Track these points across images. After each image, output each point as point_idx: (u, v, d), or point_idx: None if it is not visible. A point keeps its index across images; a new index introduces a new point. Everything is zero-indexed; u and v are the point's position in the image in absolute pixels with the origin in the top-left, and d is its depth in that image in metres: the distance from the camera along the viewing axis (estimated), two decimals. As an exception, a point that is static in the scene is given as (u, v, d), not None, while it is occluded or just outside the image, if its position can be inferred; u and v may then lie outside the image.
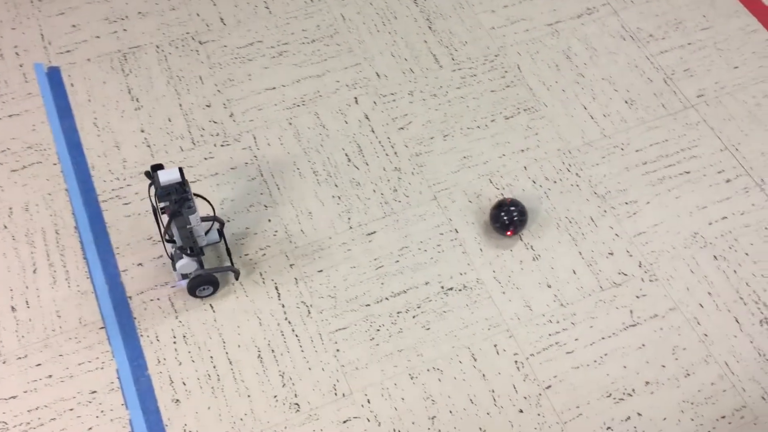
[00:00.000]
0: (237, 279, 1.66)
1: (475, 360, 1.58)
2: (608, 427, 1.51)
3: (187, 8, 2.08)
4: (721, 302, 1.64)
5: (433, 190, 1.81)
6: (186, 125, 1.88)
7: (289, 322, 1.62)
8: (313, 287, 1.67)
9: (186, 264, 1.55)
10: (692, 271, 1.68)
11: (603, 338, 1.60)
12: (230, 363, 1.57)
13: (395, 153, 1.86)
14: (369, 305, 1.65)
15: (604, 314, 1.63)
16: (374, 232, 1.75)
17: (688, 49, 2.01)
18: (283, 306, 1.64)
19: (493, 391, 1.55)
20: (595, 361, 1.58)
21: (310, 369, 1.57)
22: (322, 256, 1.71)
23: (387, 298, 1.66)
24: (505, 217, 1.67)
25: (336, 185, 1.81)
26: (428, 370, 1.57)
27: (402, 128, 1.90)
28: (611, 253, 1.71)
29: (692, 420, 1.51)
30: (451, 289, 1.67)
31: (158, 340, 1.59)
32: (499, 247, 1.72)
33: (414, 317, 1.64)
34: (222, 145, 1.85)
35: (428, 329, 1.62)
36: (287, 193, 1.80)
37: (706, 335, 1.60)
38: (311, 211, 1.77)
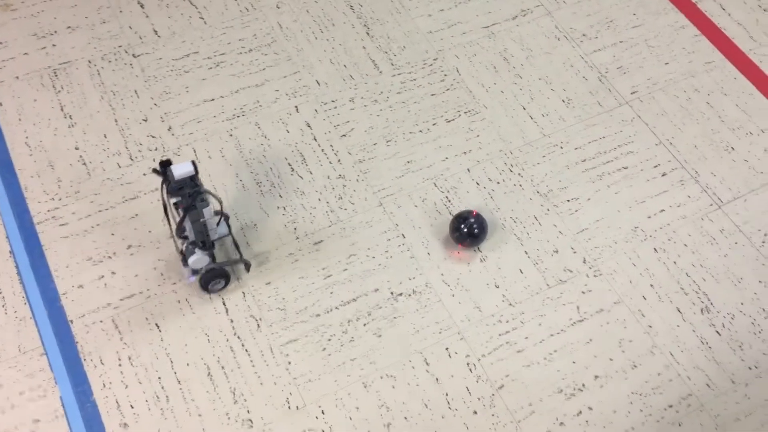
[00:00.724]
0: (248, 271, 1.66)
1: (428, 364, 1.59)
2: (561, 423, 1.53)
3: (119, 21, 2.03)
4: (663, 293, 1.68)
5: (379, 196, 1.80)
6: (123, 141, 1.83)
7: (239, 337, 1.59)
8: (262, 300, 1.65)
9: (199, 259, 1.54)
10: (634, 264, 1.72)
11: (552, 335, 1.63)
12: (179, 382, 1.53)
13: (339, 160, 1.85)
14: (319, 315, 1.64)
15: (551, 311, 1.66)
16: (321, 241, 1.73)
17: (620, 47, 2.06)
18: (232, 321, 1.62)
19: (446, 395, 1.55)
20: (545, 359, 1.60)
21: (261, 384, 1.54)
22: (269, 268, 1.69)
23: (337, 307, 1.65)
24: (465, 229, 1.67)
25: (280, 195, 1.79)
26: (381, 378, 1.57)
27: (344, 135, 1.89)
28: (556, 251, 1.74)
29: (641, 411, 1.54)
30: (400, 294, 1.67)
31: (103, 364, 1.54)
32: (446, 249, 1.73)
33: (365, 325, 1.63)
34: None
35: (380, 336, 1.62)
36: (230, 206, 1.77)
37: (650, 327, 1.64)
38: (256, 223, 1.75)
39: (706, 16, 2.13)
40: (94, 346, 1.56)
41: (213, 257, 1.58)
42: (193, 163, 1.38)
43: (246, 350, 1.58)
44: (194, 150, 1.83)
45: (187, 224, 1.49)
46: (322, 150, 1.87)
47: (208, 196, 1.43)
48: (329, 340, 1.61)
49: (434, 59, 2.04)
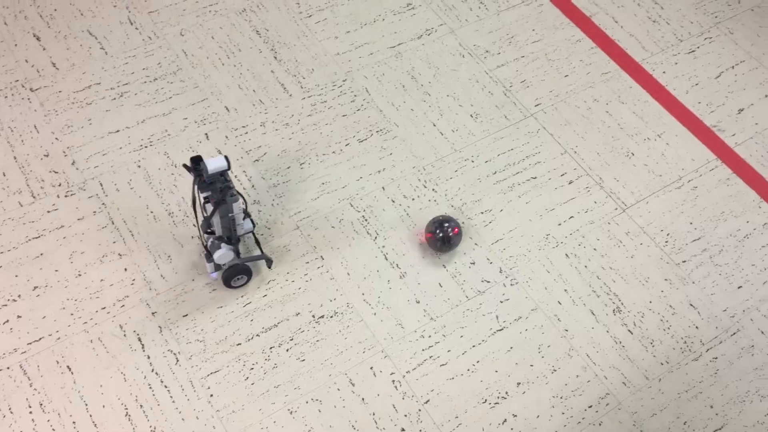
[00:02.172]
0: (270, 267, 1.68)
1: (353, 385, 1.58)
2: (487, 433, 1.55)
3: (14, 55, 1.96)
4: (576, 297, 1.73)
5: (295, 219, 1.79)
6: (23, 178, 1.76)
7: (157, 374, 1.55)
8: (180, 333, 1.60)
9: (224, 254, 1.56)
10: (548, 271, 1.77)
11: (473, 346, 1.65)
12: (95, 426, 1.47)
13: (252, 186, 1.84)
14: (240, 344, 1.61)
15: (472, 323, 1.68)
16: (238, 268, 1.71)
17: (522, 62, 2.13)
18: (149, 357, 1.57)
19: (373, 414, 1.55)
20: (468, 370, 1.62)
21: (183, 420, 1.50)
22: (186, 299, 1.65)
23: (258, 335, 1.62)
24: (440, 234, 1.70)
25: (194, 225, 1.76)
26: (307, 402, 1.55)
27: (257, 160, 1.88)
28: (473, 263, 1.77)
29: (563, 413, 1.58)
30: (322, 317, 1.66)
31: (12, 413, 1.47)
32: (366, 268, 1.73)
33: (288, 350, 1.61)
34: (66, 196, 1.75)
35: (303, 360, 1.60)
36: (142, 239, 1.72)
37: (566, 330, 1.68)
38: (170, 255, 1.70)
39: (600, 30, 2.23)
40: (2, 395, 1.48)
41: (238, 253, 1.61)
42: (226, 157, 1.39)
43: (165, 386, 1.53)
44: (101, 183, 1.78)
45: (215, 219, 1.51)
46: (235, 176, 1.85)
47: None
48: (252, 368, 1.58)
49: (343, 80, 2.05)
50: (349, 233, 1.78)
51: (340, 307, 1.68)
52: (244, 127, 1.93)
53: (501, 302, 1.71)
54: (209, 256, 1.60)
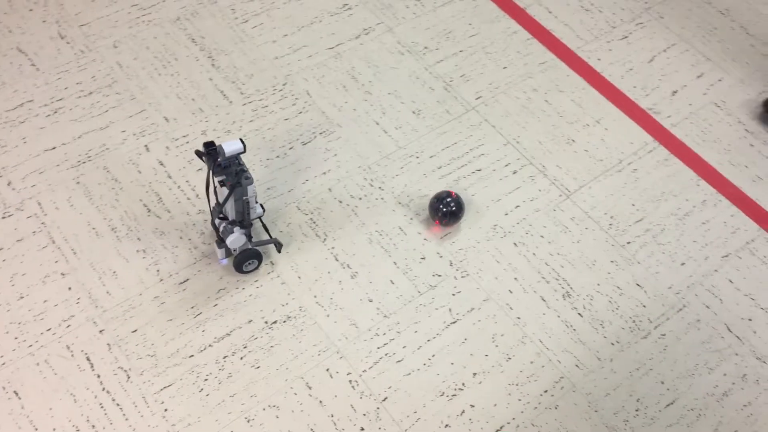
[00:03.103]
0: (279, 251, 1.69)
1: (310, 388, 1.57)
2: (446, 425, 1.55)
3: (-60, 75, 1.90)
4: (527, 285, 1.75)
5: (242, 226, 1.78)
6: (-43, 202, 1.71)
7: (108, 392, 1.52)
8: (129, 349, 1.58)
9: (237, 238, 1.56)
10: (498, 261, 1.78)
11: (428, 340, 1.66)
12: (47, 450, 1.44)
13: (197, 195, 1.81)
14: (193, 356, 1.58)
15: (426, 317, 1.69)
16: (187, 279, 1.68)
17: (460, 56, 2.15)
18: (99, 376, 1.53)
19: (332, 416, 1.54)
20: (425, 364, 1.62)
21: (138, 436, 1.47)
22: (134, 315, 1.62)
23: (211, 345, 1.60)
24: (443, 209, 1.75)
25: (139, 239, 1.73)
26: (264, 409, 1.53)
27: (200, 169, 1.86)
28: (423, 258, 1.77)
29: (519, 400, 1.59)
30: (275, 322, 1.65)
31: (-42, 444, 1.42)
32: (316, 270, 1.72)
33: (242, 358, 1.59)
34: (3, 218, 1.70)
35: (258, 367, 1.59)
36: (86, 256, 1.69)
37: (519, 318, 1.70)
38: (115, 271, 1.67)
39: (535, 20, 2.26)
40: (-54, 427, 1.44)
41: (250, 237, 1.63)
42: (242, 140, 1.42)
43: (117, 404, 1.50)
44: (39, 203, 1.74)
45: (229, 204, 1.52)
46: (179, 187, 1.82)
47: None
48: (206, 379, 1.56)
49: (284, 84, 2.04)
50: (297, 237, 1.77)
51: (292, 311, 1.67)
52: (185, 136, 1.91)
53: (453, 295, 1.73)
54: (220, 243, 1.63)
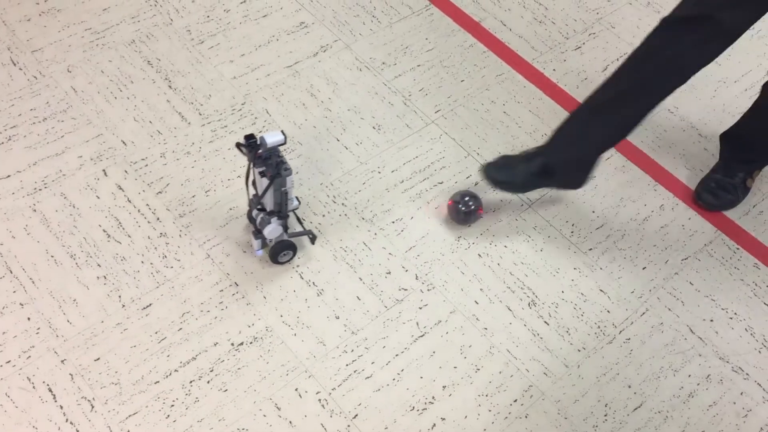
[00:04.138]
0: (313, 243, 1.75)
1: (279, 409, 1.56)
2: (418, 439, 1.55)
3: None
4: (492, 295, 1.76)
5: (205, 248, 1.76)
6: None
7: (72, 423, 1.48)
8: (93, 378, 1.54)
9: (274, 229, 1.62)
10: (463, 272, 1.79)
11: (396, 355, 1.65)
12: (9, 487, 1.40)
13: (158, 219, 1.79)
14: (158, 382, 1.56)
15: (393, 332, 1.69)
16: (150, 304, 1.66)
17: (418, 71, 2.17)
18: (62, 407, 1.50)
19: (302, 436, 1.53)
20: (394, 380, 1.62)
21: (104, 467, 1.44)
22: (96, 343, 1.59)
23: (176, 370, 1.58)
24: (463, 208, 1.80)
25: (99, 265, 1.70)
26: (233, 433, 1.51)
27: (160, 192, 1.84)
28: (389, 272, 1.77)
29: (489, 411, 1.60)
30: (241, 344, 1.63)
31: None
32: (282, 290, 1.71)
33: (209, 382, 1.57)
34: (-43, 249, 1.66)
35: (226, 391, 1.57)
36: (44, 285, 1.65)
37: (486, 329, 1.71)
38: (75, 299, 1.64)
39: (490, 33, 2.29)
40: None
41: (286, 228, 1.66)
42: (282, 131, 1.47)
43: (81, 435, 1.47)
44: (-6, 232, 1.70)
45: (267, 194, 1.56)
46: (139, 211, 1.80)
47: None
48: (172, 405, 1.53)
49: (242, 104, 2.03)
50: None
51: (259, 331, 1.65)
52: (143, 159, 1.89)
53: (420, 308, 1.73)
54: (257, 234, 1.67)
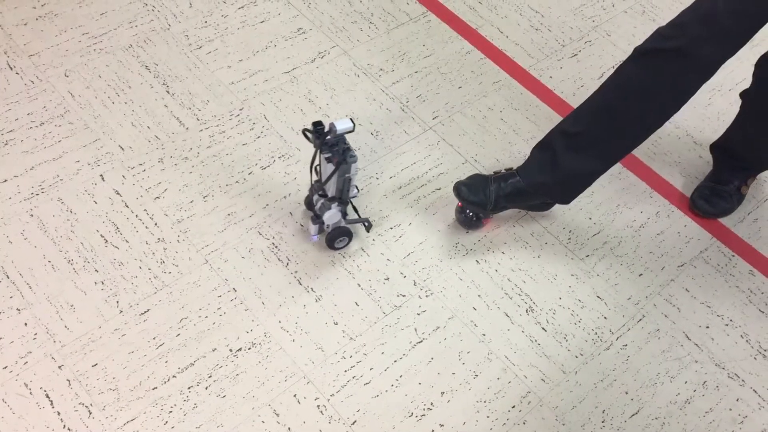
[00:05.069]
0: (368, 231, 1.77)
1: (278, 415, 1.55)
2: (417, 446, 1.55)
3: None
4: (490, 301, 1.77)
5: (203, 253, 1.76)
6: None
7: (69, 430, 1.47)
8: (90, 384, 1.54)
9: (333, 214, 1.66)
10: (461, 278, 1.80)
11: (395, 361, 1.65)
12: (6, 494, 1.39)
13: (155, 224, 1.79)
14: (156, 388, 1.55)
15: (391, 338, 1.69)
16: (148, 310, 1.65)
17: (416, 77, 2.17)
18: (59, 414, 1.49)
19: (301, 442, 1.53)
20: (392, 386, 1.62)
21: (102, 474, 1.43)
22: (93, 348, 1.58)
23: (174, 376, 1.57)
24: (471, 214, 1.83)
25: (96, 270, 1.69)
26: (232, 439, 1.51)
27: (158, 197, 1.83)
28: (387, 279, 1.78)
29: (488, 417, 1.60)
30: (240, 350, 1.63)
31: None
32: (280, 295, 1.71)
33: (207, 388, 1.57)
34: (-47, 254, 1.65)
35: (224, 397, 1.56)
36: (41, 291, 1.64)
37: (484, 335, 1.71)
38: (73, 304, 1.63)
39: (487, 41, 2.30)
40: None
41: (344, 215, 1.71)
42: (351, 119, 1.53)
43: (79, 442, 1.46)
44: (-9, 237, 1.69)
45: (331, 180, 1.61)
46: (136, 216, 1.79)
47: None
48: (170, 411, 1.53)
49: (240, 109, 2.03)
50: (260, 262, 1.76)
51: (257, 337, 1.65)
52: (141, 164, 1.88)
53: (418, 314, 1.73)
54: (315, 219, 1.72)
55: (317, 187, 1.68)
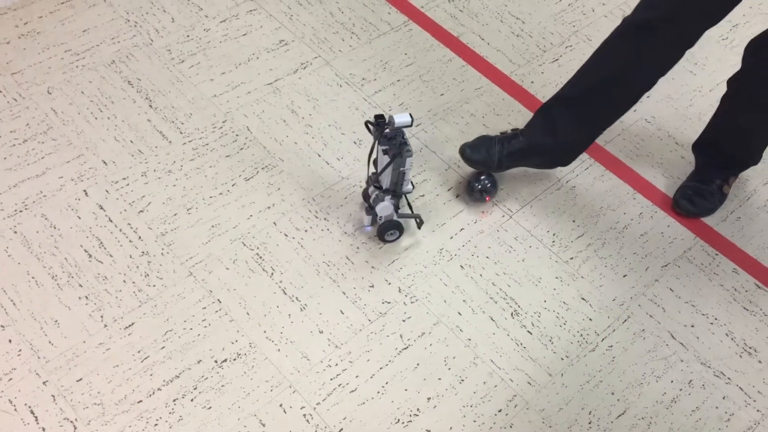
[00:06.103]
0: (419, 228, 1.81)
1: (264, 425, 1.55)
2: (403, 452, 1.55)
3: None
4: (475, 306, 1.77)
5: (187, 266, 1.76)
6: None
7: (54, 445, 1.47)
8: (75, 399, 1.53)
9: (386, 206, 1.71)
10: (445, 284, 1.80)
11: (381, 368, 1.66)
12: None
13: (139, 238, 1.79)
14: (141, 401, 1.55)
15: (377, 345, 1.69)
16: (132, 324, 1.65)
17: (398, 86, 2.19)
18: (44, 429, 1.49)
19: (287, 452, 1.52)
20: (378, 392, 1.62)
21: (87, 489, 1.43)
22: (78, 363, 1.58)
23: (159, 389, 1.57)
24: (479, 186, 1.88)
25: (80, 285, 1.69)
26: (218, 451, 1.51)
27: (142, 211, 1.84)
28: (372, 286, 1.78)
29: (474, 421, 1.60)
30: (225, 360, 1.63)
31: None
32: (265, 305, 1.71)
33: (192, 400, 1.57)
34: (-64, 272, 1.65)
35: (210, 408, 1.56)
36: (25, 307, 1.64)
37: (469, 339, 1.72)
38: (57, 319, 1.63)
39: (468, 48, 2.31)
40: None
41: (397, 208, 1.75)
42: (411, 115, 1.59)
43: (64, 457, 1.46)
44: (-26, 254, 1.69)
45: (386, 172, 1.65)
46: (120, 230, 1.80)
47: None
48: (156, 424, 1.53)
49: (223, 121, 2.04)
50: (244, 273, 1.76)
51: (242, 348, 1.65)
52: (124, 179, 1.89)
53: (403, 321, 1.73)
54: (369, 210, 1.77)
55: (373, 179, 1.72)
